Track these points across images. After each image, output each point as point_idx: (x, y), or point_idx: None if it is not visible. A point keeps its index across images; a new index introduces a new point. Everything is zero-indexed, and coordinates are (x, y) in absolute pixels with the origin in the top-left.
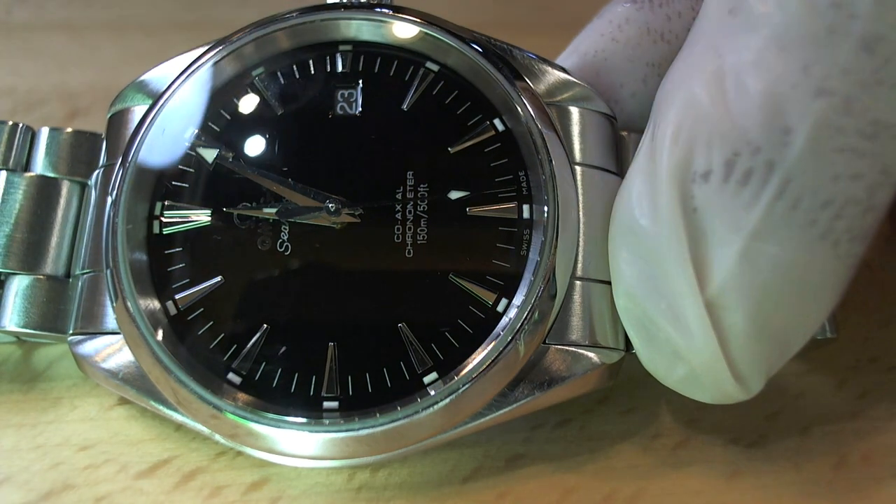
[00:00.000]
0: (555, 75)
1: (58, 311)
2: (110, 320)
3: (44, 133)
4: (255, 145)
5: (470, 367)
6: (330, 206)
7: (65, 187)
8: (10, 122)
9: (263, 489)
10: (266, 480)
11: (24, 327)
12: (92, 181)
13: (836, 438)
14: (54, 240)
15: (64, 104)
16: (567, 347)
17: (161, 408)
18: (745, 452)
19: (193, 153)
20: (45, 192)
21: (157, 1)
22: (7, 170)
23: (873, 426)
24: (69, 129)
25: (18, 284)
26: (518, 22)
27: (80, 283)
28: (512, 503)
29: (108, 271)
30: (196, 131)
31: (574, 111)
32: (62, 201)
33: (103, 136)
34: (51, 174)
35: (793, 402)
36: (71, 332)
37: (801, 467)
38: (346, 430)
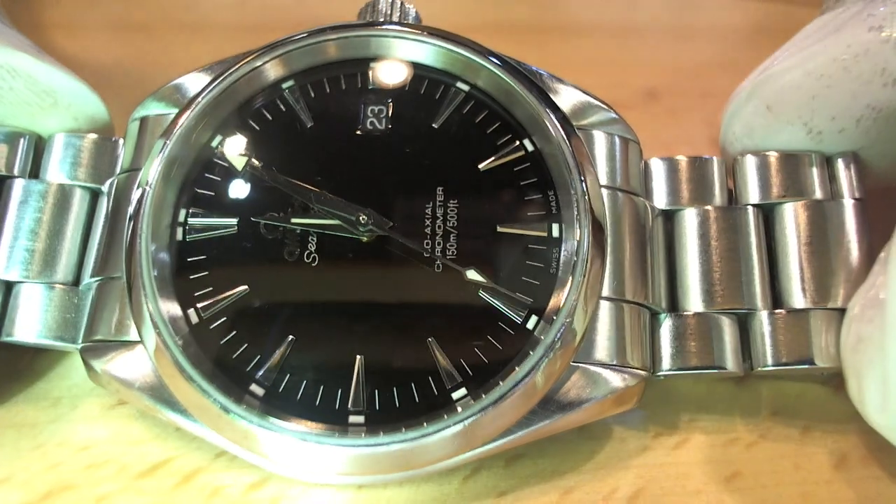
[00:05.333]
0: (578, 98)
1: (70, 321)
2: (125, 328)
3: (57, 139)
4: (284, 156)
5: (500, 384)
6: (361, 218)
7: (76, 194)
8: (15, 130)
9: (264, 489)
10: (266, 480)
11: (37, 338)
12: (106, 188)
13: (836, 439)
14: (66, 247)
15: None
16: (593, 367)
17: (179, 418)
18: (745, 452)
19: (221, 162)
20: (56, 199)
21: (158, 1)
22: (16, 177)
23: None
24: (84, 135)
25: (30, 294)
26: (518, 22)
27: (91, 291)
28: (512, 503)
29: (128, 278)
30: (224, 140)
31: (599, 136)
32: (74, 208)
33: (122, 141)
34: (62, 181)
35: (793, 402)
36: (83, 340)
37: (800, 467)
38: (374, 445)
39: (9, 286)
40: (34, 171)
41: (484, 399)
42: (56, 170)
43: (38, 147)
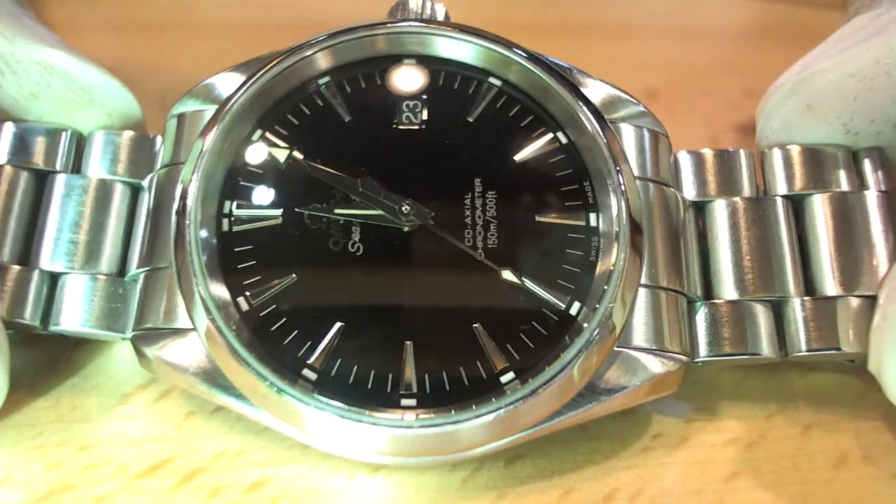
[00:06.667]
0: (608, 92)
1: (116, 310)
2: (174, 316)
3: (97, 136)
4: (324, 149)
5: (546, 368)
6: (404, 207)
7: (117, 188)
8: (53, 126)
9: (264, 489)
10: (266, 480)
11: (83, 327)
12: (146, 183)
13: (836, 438)
14: (109, 239)
15: None
16: (634, 352)
17: (234, 401)
18: (745, 452)
19: (263, 155)
20: (97, 193)
21: (158, 1)
22: (60, 172)
23: (873, 426)
24: (121, 133)
25: (75, 284)
26: (518, 22)
27: (138, 282)
28: (512, 503)
29: (178, 265)
30: (264, 134)
31: (628, 129)
32: (115, 202)
33: (159, 138)
34: (103, 176)
35: (793, 401)
36: (133, 329)
37: (800, 467)
38: (428, 426)
39: (54, 277)
40: (76, 167)
41: (531, 382)
42: (96, 166)
43: (80, 143)
